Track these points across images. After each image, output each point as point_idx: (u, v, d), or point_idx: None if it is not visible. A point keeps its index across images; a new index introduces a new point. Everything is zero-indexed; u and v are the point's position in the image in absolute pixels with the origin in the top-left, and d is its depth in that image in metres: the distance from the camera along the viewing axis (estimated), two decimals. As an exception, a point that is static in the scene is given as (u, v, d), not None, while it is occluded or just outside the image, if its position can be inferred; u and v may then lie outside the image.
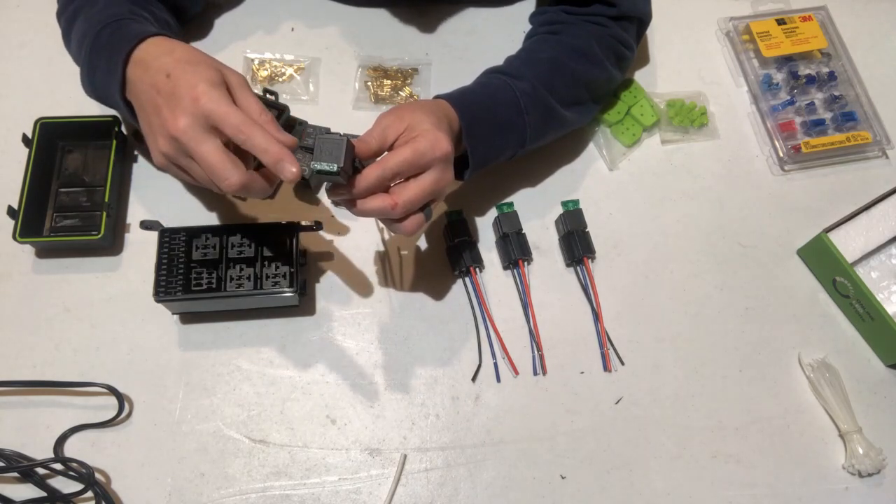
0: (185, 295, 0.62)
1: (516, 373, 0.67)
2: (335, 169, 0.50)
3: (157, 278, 0.62)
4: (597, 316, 0.69)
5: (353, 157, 0.53)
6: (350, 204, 0.55)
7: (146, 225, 0.64)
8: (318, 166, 0.50)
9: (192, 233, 0.64)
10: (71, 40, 0.65)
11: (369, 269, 0.71)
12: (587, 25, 0.71)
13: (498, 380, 0.67)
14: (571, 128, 0.73)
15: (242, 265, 0.64)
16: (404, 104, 0.61)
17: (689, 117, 0.78)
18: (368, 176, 0.53)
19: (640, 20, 0.74)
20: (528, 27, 0.81)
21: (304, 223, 0.66)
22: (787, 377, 0.68)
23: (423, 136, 0.55)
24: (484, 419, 0.65)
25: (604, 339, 0.68)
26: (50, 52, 0.78)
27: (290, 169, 0.49)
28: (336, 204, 0.59)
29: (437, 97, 0.65)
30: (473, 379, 0.67)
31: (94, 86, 0.62)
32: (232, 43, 0.80)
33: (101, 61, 0.59)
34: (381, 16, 0.83)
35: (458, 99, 0.64)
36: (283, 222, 0.66)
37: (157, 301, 0.62)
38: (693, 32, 0.85)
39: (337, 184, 0.53)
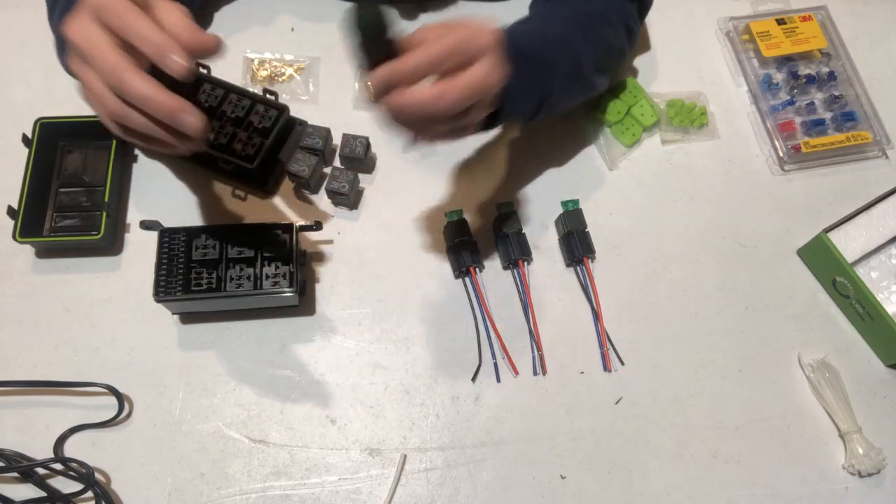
0: (184, 295, 0.62)
1: (516, 373, 0.67)
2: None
3: (156, 278, 0.62)
4: (597, 316, 0.69)
5: (389, 39, 0.47)
6: (384, 95, 0.49)
7: (146, 225, 0.64)
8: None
9: (192, 233, 0.64)
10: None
11: (369, 269, 0.71)
12: None
13: (498, 380, 0.67)
14: (589, 95, 0.71)
15: (242, 265, 0.64)
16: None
17: (689, 117, 0.78)
18: (408, 59, 0.47)
19: (641, 2, 0.73)
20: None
21: (303, 223, 0.66)
22: (787, 377, 0.68)
23: (466, 23, 0.49)
24: (484, 419, 0.65)
25: (604, 339, 0.68)
26: (50, 52, 0.78)
27: (175, 59, 0.44)
28: (371, 100, 0.52)
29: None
30: (473, 379, 0.67)
31: (53, 30, 0.60)
32: (232, 43, 0.80)
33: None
34: (381, 16, 0.83)
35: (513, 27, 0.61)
36: (283, 222, 0.66)
37: (157, 301, 0.62)
38: (693, 32, 0.85)
39: (371, 59, 0.48)
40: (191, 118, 0.47)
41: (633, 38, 0.73)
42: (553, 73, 0.63)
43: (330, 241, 0.72)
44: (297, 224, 0.65)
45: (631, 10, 0.72)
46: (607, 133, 0.78)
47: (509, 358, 0.67)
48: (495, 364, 0.67)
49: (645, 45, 0.83)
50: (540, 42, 0.63)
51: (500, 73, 0.51)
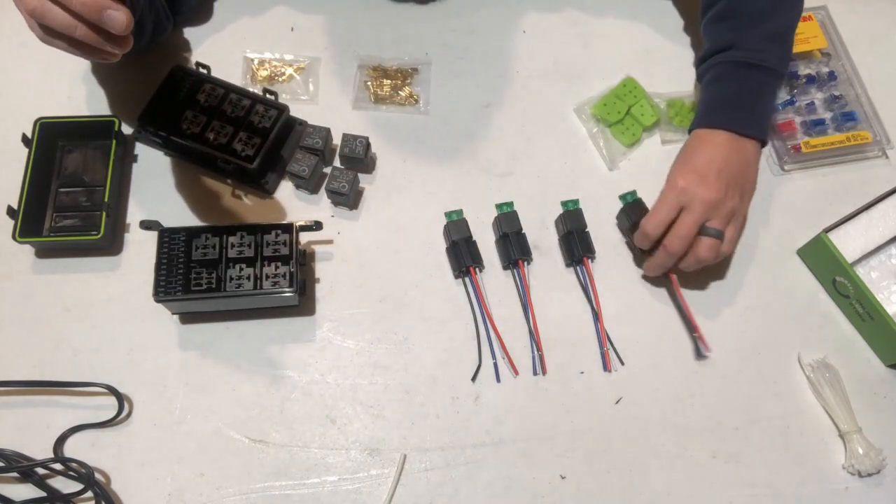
0: (184, 295, 0.62)
1: (516, 373, 0.67)
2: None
3: (156, 278, 0.62)
4: (597, 316, 0.69)
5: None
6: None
7: (146, 225, 0.64)
8: None
9: (192, 233, 0.64)
10: None
11: (369, 270, 0.71)
12: None
13: (498, 380, 0.67)
14: (801, 9, 0.73)
15: (242, 265, 0.64)
16: (675, 174, 0.68)
17: (689, 117, 0.78)
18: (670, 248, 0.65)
19: None
20: (528, 27, 0.81)
21: (303, 223, 0.66)
22: (787, 377, 0.68)
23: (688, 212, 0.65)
24: (484, 419, 0.65)
25: (604, 339, 0.68)
26: (50, 52, 0.78)
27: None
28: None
29: (692, 129, 0.70)
30: (473, 379, 0.67)
31: None
32: (232, 43, 0.80)
33: None
34: (381, 16, 0.83)
35: (706, 118, 0.69)
36: (283, 222, 0.66)
37: (157, 301, 0.62)
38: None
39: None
40: (114, 13, 0.46)
41: None
42: (773, 72, 0.69)
43: (330, 241, 0.72)
44: (297, 224, 0.65)
45: None
46: (607, 133, 0.78)
47: (509, 358, 0.67)
48: (495, 364, 0.67)
49: (644, 45, 0.83)
50: (744, 78, 0.69)
51: (710, 201, 0.64)
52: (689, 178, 0.66)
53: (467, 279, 0.70)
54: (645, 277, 0.71)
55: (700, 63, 0.74)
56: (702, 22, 0.75)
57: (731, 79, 0.70)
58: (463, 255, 0.69)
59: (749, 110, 0.69)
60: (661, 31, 0.84)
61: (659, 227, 0.66)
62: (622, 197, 0.73)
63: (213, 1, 0.82)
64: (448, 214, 0.71)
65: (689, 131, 0.71)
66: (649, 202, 0.74)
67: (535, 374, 0.67)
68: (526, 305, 0.69)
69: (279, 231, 0.65)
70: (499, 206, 0.72)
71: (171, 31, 0.78)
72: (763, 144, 0.70)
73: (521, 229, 0.71)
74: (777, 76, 0.70)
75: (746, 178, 0.68)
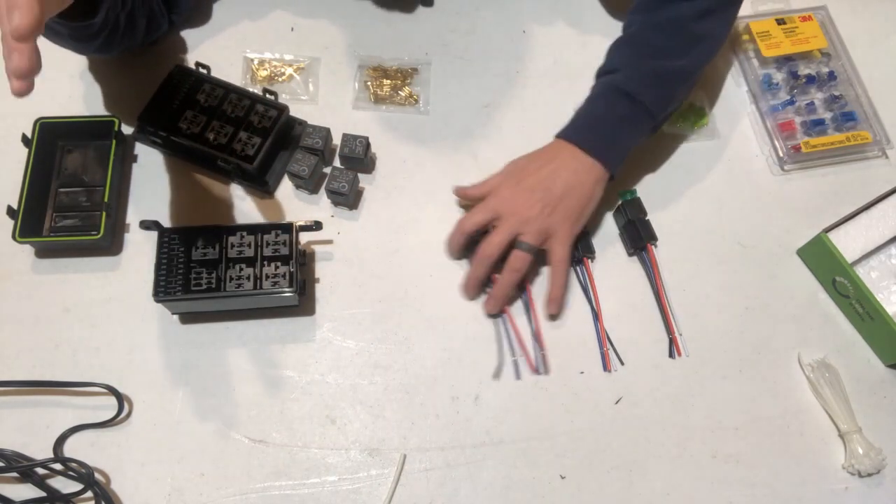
0: (184, 295, 0.62)
1: (534, 371, 0.67)
2: None
3: (156, 278, 0.62)
4: (596, 316, 0.69)
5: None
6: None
7: (146, 225, 0.64)
8: None
9: (192, 233, 0.64)
10: None
11: (369, 269, 0.71)
12: None
13: (518, 377, 0.66)
14: (704, 64, 0.72)
15: (242, 265, 0.64)
16: (503, 178, 0.69)
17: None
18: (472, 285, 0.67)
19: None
20: (528, 27, 0.81)
21: (303, 223, 0.66)
22: (787, 377, 0.68)
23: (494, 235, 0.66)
24: (484, 419, 0.65)
25: (604, 339, 0.68)
26: (50, 52, 0.78)
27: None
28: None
29: (556, 136, 0.70)
30: (497, 375, 0.67)
31: None
32: (232, 42, 0.80)
33: None
34: (380, 16, 0.83)
35: (569, 129, 0.69)
36: (283, 222, 0.66)
37: (157, 301, 0.62)
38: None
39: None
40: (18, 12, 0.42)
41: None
42: (645, 111, 0.68)
43: (330, 241, 0.72)
44: (297, 224, 0.65)
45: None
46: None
47: (527, 357, 0.67)
48: (515, 362, 0.67)
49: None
50: (611, 104, 0.69)
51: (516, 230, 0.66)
52: (514, 189, 0.67)
53: (580, 268, 0.71)
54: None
55: (595, 78, 0.73)
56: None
57: (604, 101, 0.69)
58: (641, 233, 0.70)
59: (604, 135, 0.68)
60: (661, 31, 0.84)
61: (473, 226, 0.67)
62: (621, 194, 0.73)
63: (212, 1, 0.82)
64: (621, 194, 0.73)
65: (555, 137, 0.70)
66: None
67: (538, 373, 0.67)
68: (527, 304, 0.69)
69: (279, 231, 0.65)
70: (621, 194, 0.73)
71: (167, 29, 0.77)
72: (609, 176, 0.68)
73: (646, 214, 0.72)
74: (647, 114, 0.68)
75: (577, 204, 0.67)
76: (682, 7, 0.69)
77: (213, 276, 0.63)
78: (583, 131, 0.68)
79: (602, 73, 0.71)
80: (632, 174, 0.76)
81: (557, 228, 0.66)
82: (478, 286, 0.68)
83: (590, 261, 0.71)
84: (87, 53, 0.75)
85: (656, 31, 0.70)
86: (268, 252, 0.64)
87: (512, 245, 0.66)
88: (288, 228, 0.65)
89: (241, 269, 0.63)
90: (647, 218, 0.72)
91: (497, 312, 0.68)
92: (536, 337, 0.68)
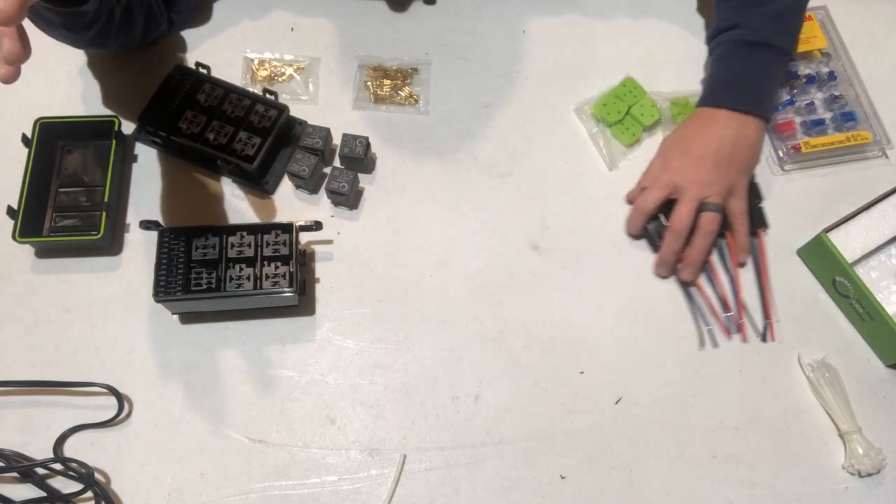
0: (184, 295, 0.62)
1: (740, 337, 0.67)
2: None
3: (156, 278, 0.62)
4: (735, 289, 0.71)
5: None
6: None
7: (146, 225, 0.64)
8: None
9: (192, 232, 0.64)
10: None
11: (369, 269, 0.71)
12: None
13: (715, 345, 0.66)
14: None
15: (242, 265, 0.64)
16: (670, 153, 0.72)
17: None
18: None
19: None
20: (528, 27, 0.81)
21: (303, 223, 0.66)
22: (787, 377, 0.68)
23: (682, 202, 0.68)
24: (484, 419, 0.65)
25: (741, 309, 0.70)
26: (50, 53, 0.78)
27: None
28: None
29: (700, 105, 0.73)
30: (702, 345, 0.69)
31: None
32: (232, 42, 0.80)
33: None
34: (381, 15, 0.83)
35: (708, 96, 0.72)
36: (283, 222, 0.66)
37: (157, 301, 0.62)
38: (693, 32, 0.85)
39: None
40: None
41: None
42: (780, 53, 0.71)
43: (330, 241, 0.72)
44: (297, 224, 0.65)
45: None
46: (607, 133, 0.78)
47: (721, 324, 0.68)
48: (710, 331, 0.70)
49: (645, 45, 0.83)
50: (752, 58, 0.71)
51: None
52: (684, 160, 0.68)
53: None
54: (680, 281, 0.71)
55: (709, 41, 0.76)
56: (714, 3, 0.76)
57: (735, 58, 0.71)
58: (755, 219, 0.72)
59: (751, 89, 0.70)
60: (661, 31, 0.84)
61: (653, 203, 0.69)
62: None
63: (212, 1, 0.82)
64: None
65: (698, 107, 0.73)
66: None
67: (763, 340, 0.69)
68: (760, 278, 0.72)
69: (279, 231, 0.65)
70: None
71: (166, 28, 0.77)
72: (766, 122, 0.71)
73: (761, 200, 0.73)
74: (782, 53, 0.71)
75: (746, 156, 0.70)
76: None
77: (213, 276, 0.63)
78: (728, 92, 0.71)
79: (718, 33, 0.74)
80: (633, 175, 0.76)
81: (735, 184, 0.69)
82: (673, 261, 0.69)
83: (764, 233, 0.73)
84: (83, 46, 0.74)
85: None
86: (268, 252, 0.64)
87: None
88: (288, 228, 0.65)
89: (241, 269, 0.63)
90: (760, 205, 0.73)
91: (693, 280, 0.69)
92: (736, 299, 0.70)
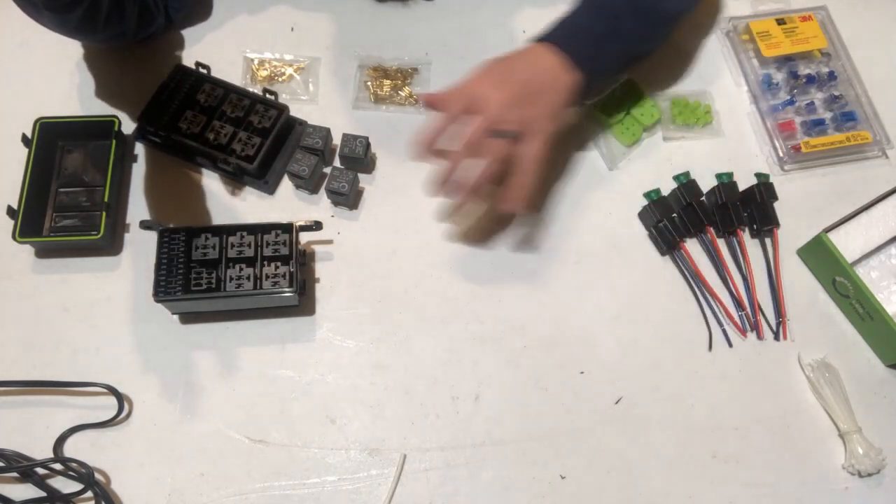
0: (184, 295, 0.62)
1: (744, 336, 0.67)
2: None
3: (156, 278, 0.62)
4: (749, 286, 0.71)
5: None
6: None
7: (146, 225, 0.64)
8: None
9: (192, 232, 0.64)
10: None
11: (369, 269, 0.71)
12: None
13: (730, 345, 0.66)
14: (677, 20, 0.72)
15: (242, 265, 0.64)
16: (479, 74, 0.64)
17: (693, 115, 0.78)
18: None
19: None
20: (528, 27, 0.81)
21: (303, 223, 0.66)
22: (787, 377, 0.68)
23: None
24: (484, 419, 0.65)
25: (756, 308, 0.70)
26: (50, 52, 0.78)
27: None
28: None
29: (538, 40, 0.65)
30: (710, 348, 0.69)
31: None
32: (232, 42, 0.80)
33: None
34: (381, 15, 0.83)
35: (553, 33, 0.65)
36: (283, 222, 0.66)
37: (157, 301, 0.62)
38: (693, 32, 0.85)
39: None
40: None
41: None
42: (624, 35, 0.66)
43: (330, 241, 0.72)
44: (297, 224, 0.65)
45: None
46: (607, 133, 0.78)
47: (735, 324, 0.67)
48: (724, 331, 0.69)
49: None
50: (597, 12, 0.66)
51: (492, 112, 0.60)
52: (486, 80, 0.61)
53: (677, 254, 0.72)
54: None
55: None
56: None
57: (590, 15, 0.66)
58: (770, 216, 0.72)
59: (590, 46, 0.65)
60: (661, 31, 0.84)
61: (455, 111, 0.60)
62: (676, 178, 0.74)
63: (212, 0, 0.82)
64: (647, 195, 0.74)
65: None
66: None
67: (776, 338, 0.70)
68: (774, 275, 0.72)
69: (279, 231, 0.65)
70: (718, 176, 0.75)
71: (163, 24, 0.77)
72: (584, 91, 0.65)
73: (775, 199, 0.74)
74: (629, 39, 0.67)
75: (556, 101, 0.63)
76: None
77: (213, 276, 0.63)
78: (575, 38, 0.65)
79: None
80: (633, 175, 0.76)
81: (534, 123, 0.62)
82: (454, 178, 0.61)
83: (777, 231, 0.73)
84: (71, 32, 0.71)
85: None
86: (268, 252, 0.64)
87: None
88: (288, 228, 0.65)
89: (241, 269, 0.63)
90: (773, 202, 0.73)
91: (458, 198, 0.63)
92: (738, 301, 0.70)
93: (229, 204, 0.73)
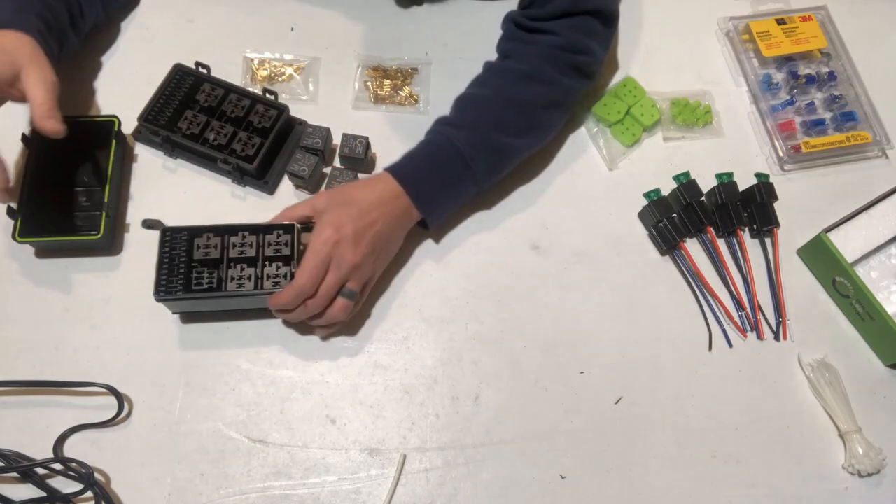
0: (185, 294, 0.62)
1: (745, 336, 0.67)
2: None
3: (157, 277, 0.62)
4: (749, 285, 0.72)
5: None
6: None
7: (148, 224, 0.64)
8: None
9: (194, 232, 0.64)
10: None
11: (369, 269, 0.70)
12: (535, 46, 0.70)
13: (730, 345, 0.67)
14: (535, 148, 0.73)
15: (243, 265, 0.64)
16: (335, 189, 0.67)
17: (693, 115, 0.78)
18: (282, 295, 0.61)
19: (601, 13, 0.72)
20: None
21: (304, 223, 0.66)
22: (787, 377, 0.68)
23: (313, 238, 0.63)
24: (484, 419, 0.65)
25: (756, 308, 0.71)
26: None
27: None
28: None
29: (385, 169, 0.68)
30: (710, 348, 0.69)
31: None
32: (231, 43, 0.80)
33: None
34: (380, 15, 0.83)
35: (400, 169, 0.67)
36: (285, 222, 0.66)
37: (158, 300, 0.62)
38: (693, 32, 0.85)
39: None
40: None
41: (588, 68, 0.72)
42: (474, 177, 0.68)
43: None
44: (298, 224, 0.65)
45: (584, 38, 0.71)
46: (607, 133, 0.78)
47: (735, 323, 0.67)
48: (724, 331, 0.69)
49: (645, 46, 0.83)
50: (447, 159, 0.68)
51: (349, 261, 0.62)
52: (342, 233, 0.62)
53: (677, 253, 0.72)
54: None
55: (435, 122, 0.71)
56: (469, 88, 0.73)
57: (441, 157, 0.68)
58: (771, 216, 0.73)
59: (436, 194, 0.68)
60: (661, 31, 0.84)
61: (314, 281, 0.61)
62: (676, 178, 0.75)
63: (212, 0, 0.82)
64: (647, 195, 0.74)
65: (384, 170, 0.68)
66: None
67: (776, 339, 0.70)
68: (774, 274, 0.72)
69: (280, 231, 0.65)
70: (718, 176, 0.75)
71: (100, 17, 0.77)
72: (425, 227, 0.70)
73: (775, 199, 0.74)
74: (474, 182, 0.69)
75: (392, 248, 0.68)
76: (537, 90, 0.70)
77: (215, 276, 0.63)
78: (422, 184, 0.67)
79: (445, 123, 0.70)
80: (633, 175, 0.76)
81: (377, 273, 0.67)
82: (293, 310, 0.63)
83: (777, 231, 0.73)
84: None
85: (508, 106, 0.69)
86: (269, 252, 0.64)
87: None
88: (290, 229, 0.65)
89: (242, 269, 0.63)
90: (774, 202, 0.74)
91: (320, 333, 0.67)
92: (738, 301, 0.70)
93: (229, 204, 0.73)
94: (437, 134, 0.69)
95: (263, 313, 0.68)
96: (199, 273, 0.63)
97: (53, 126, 0.60)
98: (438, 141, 0.68)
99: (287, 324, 0.68)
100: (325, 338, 0.67)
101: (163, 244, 0.63)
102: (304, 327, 0.67)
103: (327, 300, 0.63)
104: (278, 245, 0.64)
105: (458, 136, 0.67)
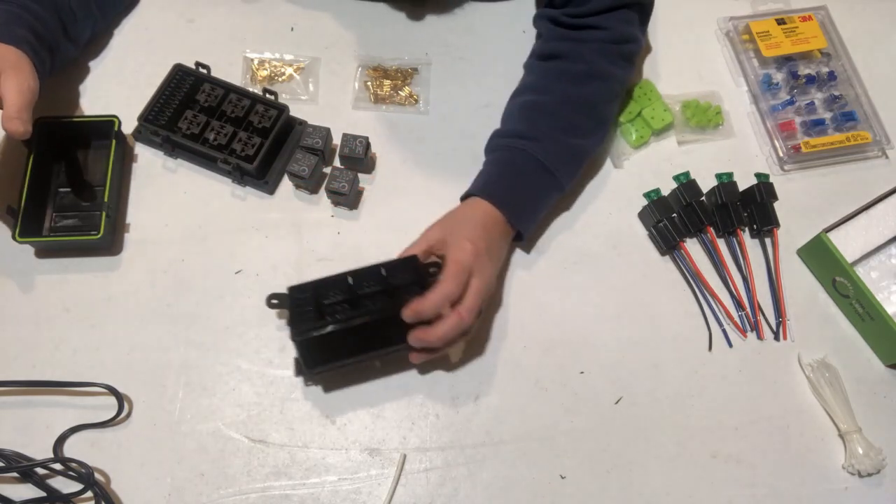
0: (324, 362, 0.61)
1: (745, 336, 0.67)
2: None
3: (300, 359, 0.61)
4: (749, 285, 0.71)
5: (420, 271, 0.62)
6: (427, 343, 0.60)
7: (273, 303, 0.63)
8: None
9: (318, 286, 0.62)
10: None
11: (369, 269, 0.70)
12: (587, 44, 0.71)
13: (730, 345, 0.67)
14: (602, 144, 0.74)
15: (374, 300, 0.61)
16: (440, 221, 0.67)
17: (705, 117, 0.78)
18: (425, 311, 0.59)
19: (640, 4, 0.73)
20: (528, 26, 0.81)
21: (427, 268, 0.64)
22: (787, 377, 0.68)
23: (451, 258, 0.61)
24: (484, 419, 0.65)
25: (756, 308, 0.71)
26: (50, 52, 0.78)
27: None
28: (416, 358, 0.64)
29: (468, 194, 0.68)
30: (710, 348, 0.69)
31: None
32: (231, 43, 0.80)
33: None
34: (381, 15, 0.83)
35: (490, 190, 0.67)
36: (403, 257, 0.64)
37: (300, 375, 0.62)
38: (693, 32, 0.85)
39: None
40: None
41: (634, 56, 0.74)
42: (559, 183, 0.69)
43: (329, 241, 0.71)
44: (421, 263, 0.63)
45: (628, 26, 0.72)
46: (615, 132, 0.77)
47: (735, 323, 0.67)
48: (724, 331, 0.69)
49: (644, 47, 0.83)
50: (534, 173, 0.68)
51: (488, 274, 0.63)
52: (479, 246, 0.62)
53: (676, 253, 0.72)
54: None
55: (500, 135, 0.71)
56: (517, 95, 0.73)
57: (533, 175, 0.68)
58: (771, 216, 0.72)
59: (530, 212, 0.69)
60: (661, 31, 0.84)
61: (459, 287, 0.60)
62: (676, 178, 0.74)
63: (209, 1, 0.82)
64: (647, 195, 0.74)
65: (466, 196, 0.69)
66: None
67: (776, 339, 0.70)
68: (774, 276, 0.72)
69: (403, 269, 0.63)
70: (718, 176, 0.75)
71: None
72: (519, 238, 0.70)
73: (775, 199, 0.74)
74: (560, 190, 0.70)
75: (501, 265, 0.69)
76: (598, 87, 0.70)
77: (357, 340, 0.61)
78: (511, 203, 0.67)
79: (517, 136, 0.69)
80: (634, 175, 0.76)
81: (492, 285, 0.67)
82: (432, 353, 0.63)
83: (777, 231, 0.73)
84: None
85: (576, 109, 0.70)
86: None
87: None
88: (411, 261, 0.63)
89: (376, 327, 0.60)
90: (773, 203, 0.73)
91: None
92: (738, 301, 0.70)
93: (229, 204, 0.73)
94: (513, 150, 0.69)
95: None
96: (340, 338, 0.60)
97: (16, 127, 0.60)
98: (520, 157, 0.68)
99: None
100: (424, 367, 0.66)
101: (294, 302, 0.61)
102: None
103: (477, 306, 0.61)
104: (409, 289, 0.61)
105: (537, 148, 0.68)
